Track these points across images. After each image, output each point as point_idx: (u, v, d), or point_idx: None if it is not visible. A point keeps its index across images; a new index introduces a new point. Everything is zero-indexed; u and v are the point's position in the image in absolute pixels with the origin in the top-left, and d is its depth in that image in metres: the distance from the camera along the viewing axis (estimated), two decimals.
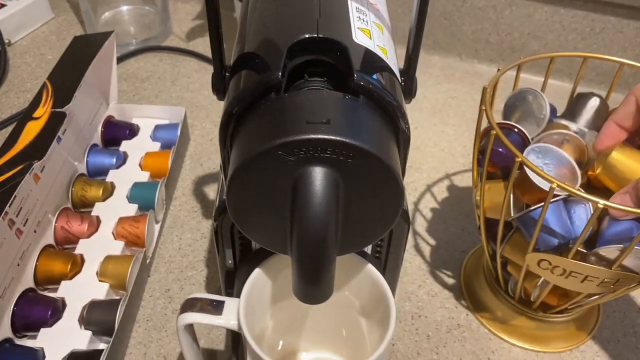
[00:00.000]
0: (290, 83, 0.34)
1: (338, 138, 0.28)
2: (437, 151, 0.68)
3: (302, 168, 0.29)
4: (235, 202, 0.32)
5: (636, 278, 0.39)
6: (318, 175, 0.29)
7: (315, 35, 0.33)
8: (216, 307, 0.36)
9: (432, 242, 0.58)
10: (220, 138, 0.35)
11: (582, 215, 0.40)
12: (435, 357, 0.48)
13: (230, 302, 0.36)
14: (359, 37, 0.34)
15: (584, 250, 0.40)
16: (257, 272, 0.37)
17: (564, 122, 0.47)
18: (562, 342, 0.49)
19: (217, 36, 0.36)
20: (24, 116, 0.51)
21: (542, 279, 0.44)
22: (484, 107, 0.41)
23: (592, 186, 0.42)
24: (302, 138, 0.28)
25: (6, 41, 0.79)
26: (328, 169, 0.29)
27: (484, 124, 0.44)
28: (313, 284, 0.32)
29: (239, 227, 0.33)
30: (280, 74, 0.31)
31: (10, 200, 0.45)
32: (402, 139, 0.34)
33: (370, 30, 0.36)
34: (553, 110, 0.48)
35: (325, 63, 0.34)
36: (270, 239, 0.33)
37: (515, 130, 0.44)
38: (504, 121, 0.46)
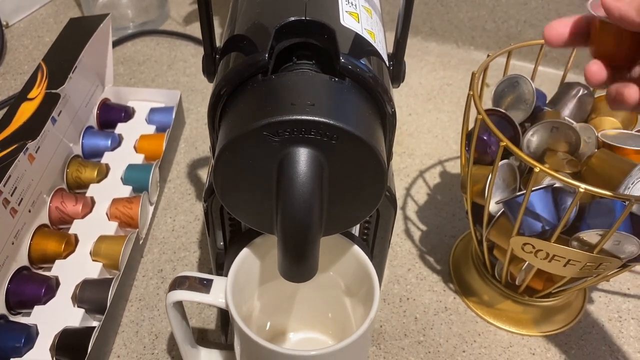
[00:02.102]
0: (279, 65, 0.35)
1: (322, 119, 0.29)
2: (430, 137, 0.69)
3: (286, 149, 0.30)
4: (222, 182, 0.32)
5: (618, 263, 0.39)
6: (302, 156, 0.30)
7: (303, 18, 0.33)
8: (205, 286, 0.37)
9: (423, 227, 0.59)
10: (208, 119, 0.35)
11: (568, 203, 0.41)
12: (422, 338, 0.49)
13: (218, 281, 0.37)
14: (347, 21, 0.35)
15: (567, 237, 0.41)
16: (245, 252, 0.38)
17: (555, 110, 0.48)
18: (547, 326, 0.50)
19: (207, 18, 0.36)
20: (19, 97, 0.51)
21: (527, 263, 0.45)
22: (471, 92, 0.41)
23: (582, 175, 0.43)
24: (287, 119, 0.29)
25: (4, 23, 0.80)
26: (312, 150, 0.30)
27: (473, 110, 0.44)
28: (298, 263, 0.33)
29: (226, 206, 0.34)
30: (267, 55, 0.32)
31: (5, 180, 0.45)
32: (388, 122, 0.34)
33: (359, 14, 0.36)
34: (542, 96, 0.49)
35: (313, 46, 0.34)
36: (257, 219, 0.34)
37: (502, 116, 0.45)
38: (492, 107, 0.46)
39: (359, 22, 0.36)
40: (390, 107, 0.34)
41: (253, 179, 0.32)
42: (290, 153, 0.30)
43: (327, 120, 0.29)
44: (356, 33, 0.35)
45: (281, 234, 0.32)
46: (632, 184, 0.40)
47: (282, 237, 0.32)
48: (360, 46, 0.34)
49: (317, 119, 0.29)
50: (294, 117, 0.29)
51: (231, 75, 0.33)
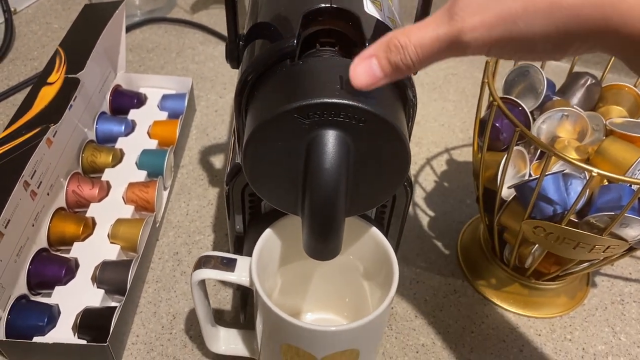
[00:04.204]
0: (302, 52, 0.36)
1: (351, 102, 0.30)
2: (437, 126, 0.70)
3: (315, 131, 0.31)
4: (251, 163, 0.33)
5: (625, 245, 0.41)
6: (330, 138, 0.31)
7: (329, 5, 0.35)
8: (229, 264, 0.38)
9: (431, 213, 0.60)
10: (235, 105, 0.36)
11: (578, 188, 0.42)
12: (432, 320, 0.51)
13: (242, 260, 0.38)
14: (370, 8, 0.36)
15: (576, 220, 0.42)
16: (268, 232, 0.39)
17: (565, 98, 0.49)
18: (553, 309, 0.52)
19: (232, 5, 0.37)
20: (38, 81, 0.52)
21: (536, 246, 0.46)
22: (486, 80, 0.43)
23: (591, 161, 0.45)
24: (317, 102, 0.30)
25: (12, 9, 0.80)
26: (340, 132, 0.31)
27: (486, 97, 0.46)
28: (323, 241, 0.34)
29: (253, 187, 0.35)
30: (295, 41, 0.33)
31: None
32: (409, 108, 0.36)
33: (381, 2, 0.37)
34: (551, 85, 0.50)
35: (336, 33, 0.36)
36: (282, 200, 0.35)
37: (514, 104, 0.46)
38: (503, 96, 0.48)
39: (381, 9, 0.37)
40: (412, 92, 0.35)
41: (282, 161, 0.33)
42: (319, 135, 0.31)
43: (355, 104, 0.30)
44: (379, 20, 0.36)
45: (308, 211, 0.33)
46: (638, 170, 0.42)
47: (309, 215, 0.33)
48: (384, 33, 0.35)
49: (346, 102, 0.30)
50: (325, 100, 0.30)
51: (259, 62, 0.34)
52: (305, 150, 0.32)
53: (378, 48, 0.27)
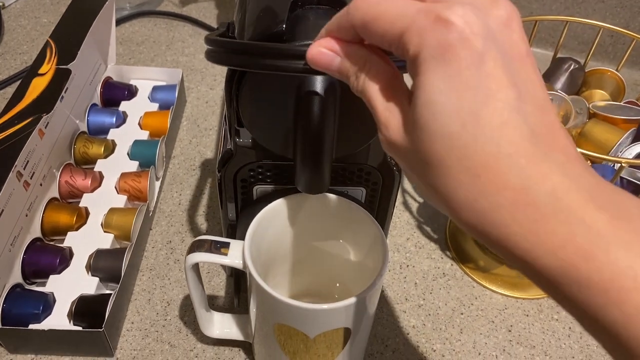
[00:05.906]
0: None
1: None
2: None
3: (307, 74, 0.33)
4: (249, 108, 0.35)
5: None
6: (320, 80, 0.33)
7: None
8: (222, 248, 0.39)
9: (419, 198, 0.61)
10: (225, 91, 0.37)
11: None
12: (422, 302, 0.52)
13: (235, 243, 0.39)
14: None
15: None
16: (260, 216, 0.40)
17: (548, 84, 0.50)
18: (540, 290, 0.53)
19: None
20: (30, 72, 0.52)
21: None
22: None
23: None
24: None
25: (1, 4, 0.80)
26: (329, 75, 0.33)
27: None
28: (314, 173, 0.36)
29: (251, 131, 0.37)
30: (284, 26, 0.34)
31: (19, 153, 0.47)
32: None
33: None
34: None
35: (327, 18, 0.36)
36: (277, 142, 0.37)
37: None
38: None
39: None
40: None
41: (275, 102, 0.35)
42: (310, 78, 0.33)
43: None
44: None
45: (300, 147, 0.35)
46: (620, 152, 0.43)
47: (302, 147, 0.35)
48: None
49: None
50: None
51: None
52: (296, 91, 0.33)
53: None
